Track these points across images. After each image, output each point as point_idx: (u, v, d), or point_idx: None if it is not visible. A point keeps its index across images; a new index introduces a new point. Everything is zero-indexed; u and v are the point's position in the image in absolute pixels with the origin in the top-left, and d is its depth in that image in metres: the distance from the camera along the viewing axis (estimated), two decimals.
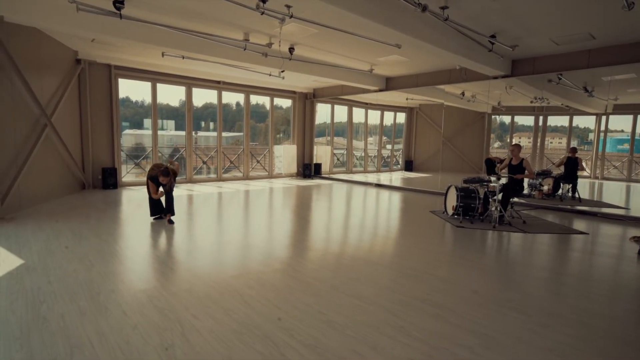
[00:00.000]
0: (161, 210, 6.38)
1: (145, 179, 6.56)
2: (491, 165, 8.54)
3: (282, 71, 9.37)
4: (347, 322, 2.97)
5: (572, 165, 9.46)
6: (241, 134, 13.65)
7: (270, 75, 10.40)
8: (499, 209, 6.61)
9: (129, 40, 6.85)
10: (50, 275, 3.78)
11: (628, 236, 6.04)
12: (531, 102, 11.45)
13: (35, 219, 6.22)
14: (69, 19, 5.94)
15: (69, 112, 8.90)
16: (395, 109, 17.49)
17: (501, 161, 7.55)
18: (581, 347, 2.70)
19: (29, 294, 3.34)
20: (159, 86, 11.04)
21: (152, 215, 6.45)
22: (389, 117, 17.56)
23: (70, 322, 2.86)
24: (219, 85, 12.21)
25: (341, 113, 16.03)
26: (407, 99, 15.26)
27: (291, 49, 8.29)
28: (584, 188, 10.79)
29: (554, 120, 13.80)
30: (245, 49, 7.86)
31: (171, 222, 6.19)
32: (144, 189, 9.71)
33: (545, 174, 10.05)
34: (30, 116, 7.20)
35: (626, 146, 12.20)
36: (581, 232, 6.36)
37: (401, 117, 18.04)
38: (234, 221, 6.79)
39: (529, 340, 2.76)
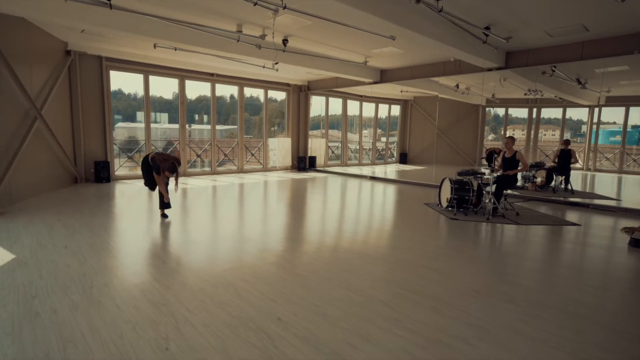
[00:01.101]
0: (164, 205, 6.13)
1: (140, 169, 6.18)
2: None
3: (276, 63, 9.30)
4: (341, 315, 2.97)
5: (565, 157, 9.53)
6: (235, 126, 13.56)
7: (264, 67, 10.31)
8: (492, 201, 6.64)
9: (120, 31, 6.74)
10: (42, 270, 3.74)
11: (619, 227, 6.11)
12: (525, 94, 11.48)
13: (26, 213, 6.15)
14: (58, 8, 5.82)
15: (60, 105, 8.77)
16: (390, 101, 17.45)
17: (499, 152, 7.61)
18: (574, 338, 2.73)
19: (20, 288, 3.31)
20: (152, 78, 10.90)
21: (161, 208, 6.16)
22: (383, 110, 17.52)
23: (63, 316, 2.84)
24: (213, 78, 12.09)
25: (336, 106, 15.97)
26: (401, 91, 15.23)
27: (285, 41, 8.21)
28: (576, 180, 10.88)
29: (548, 113, 13.85)
30: (238, 41, 7.77)
31: (165, 215, 6.15)
32: (137, 182, 9.66)
33: (538, 166, 10.11)
34: (19, 109, 7.09)
35: (618, 138, 12.30)
36: (574, 224, 6.42)
37: (396, 110, 18.01)
38: (228, 214, 6.76)
39: (523, 332, 2.79)
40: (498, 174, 6.78)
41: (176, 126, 11.90)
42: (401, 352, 2.49)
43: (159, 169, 5.71)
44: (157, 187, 5.98)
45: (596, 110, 12.06)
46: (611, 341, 2.70)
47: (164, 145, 12.73)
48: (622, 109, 12.14)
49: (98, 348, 2.44)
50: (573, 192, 9.33)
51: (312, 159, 15.11)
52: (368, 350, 2.49)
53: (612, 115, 12.75)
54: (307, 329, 2.74)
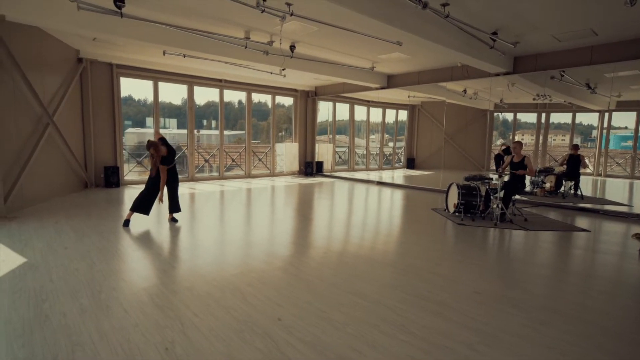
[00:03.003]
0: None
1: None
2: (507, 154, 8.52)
3: (283, 69, 9.37)
4: (347, 320, 2.97)
5: (574, 163, 9.43)
6: (243, 132, 13.66)
7: (271, 73, 10.39)
8: (500, 206, 6.59)
9: (130, 38, 6.85)
10: (52, 274, 3.80)
11: (630, 233, 6.02)
12: (534, 99, 11.40)
13: (37, 217, 6.25)
14: (70, 17, 5.95)
15: (71, 111, 8.93)
16: (397, 106, 17.44)
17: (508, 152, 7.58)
18: (581, 344, 2.70)
19: (31, 292, 3.37)
20: (161, 84, 11.05)
21: (140, 211, 5.89)
22: (390, 115, 17.52)
23: (72, 320, 2.88)
24: (221, 84, 12.21)
25: (343, 111, 16.01)
26: (409, 96, 15.21)
27: (292, 47, 8.28)
28: (586, 185, 10.75)
29: (557, 118, 13.72)
30: (246, 47, 7.85)
31: (174, 220, 6.20)
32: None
33: (547, 171, 10.01)
34: (32, 115, 7.23)
35: (630, 143, 12.14)
36: (583, 230, 6.34)
37: (403, 115, 17.99)
38: (235, 219, 6.81)
39: (529, 338, 2.76)
40: (505, 178, 6.74)
41: (185, 131, 12.03)
42: (406, 357, 2.48)
43: (162, 161, 5.85)
44: (155, 203, 6.00)
45: (606, 115, 11.92)
46: (617, 347, 2.66)
47: None
48: (634, 114, 11.98)
49: (105, 351, 2.48)
50: (583, 198, 9.22)
51: (320, 164, 15.14)
52: (373, 356, 2.49)
53: (623, 120, 12.59)
54: (312, 334, 2.75)
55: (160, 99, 11.11)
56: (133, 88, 14.45)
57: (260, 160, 14.18)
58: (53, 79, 8.00)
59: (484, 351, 2.57)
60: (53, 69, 7.99)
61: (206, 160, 12.86)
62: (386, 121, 17.35)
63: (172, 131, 13.92)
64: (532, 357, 2.52)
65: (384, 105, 16.98)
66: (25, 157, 6.94)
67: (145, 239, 5.26)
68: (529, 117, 14.32)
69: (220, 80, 12.13)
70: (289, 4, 5.47)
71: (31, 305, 3.10)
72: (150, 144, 5.75)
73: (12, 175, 6.59)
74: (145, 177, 10.91)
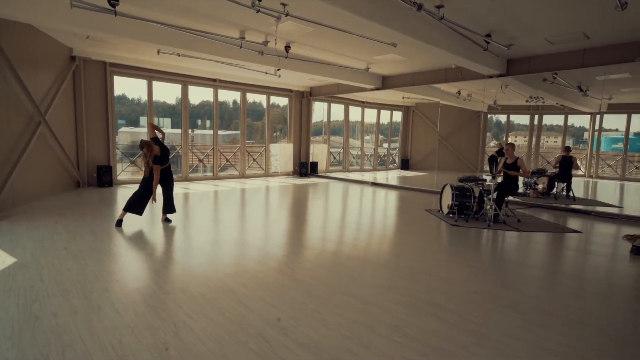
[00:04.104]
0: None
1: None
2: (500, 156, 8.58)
3: (278, 69, 9.35)
4: (341, 321, 2.96)
5: (566, 164, 9.51)
6: (238, 132, 13.61)
7: (266, 73, 10.36)
8: (493, 207, 6.63)
9: (124, 37, 6.79)
10: (43, 274, 3.75)
11: (621, 234, 6.09)
12: (527, 101, 11.49)
13: (29, 216, 6.17)
14: (63, 15, 5.88)
15: (64, 110, 8.84)
16: (392, 107, 17.48)
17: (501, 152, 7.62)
18: (575, 345, 2.72)
19: (21, 292, 3.32)
20: (155, 84, 10.97)
21: (133, 211, 5.81)
22: (385, 116, 17.56)
23: (63, 320, 2.84)
24: (215, 83, 12.16)
25: (338, 111, 16.02)
26: (403, 97, 15.26)
27: (287, 47, 8.27)
28: (578, 187, 10.84)
29: (549, 120, 13.85)
30: (241, 47, 7.82)
31: (168, 220, 6.16)
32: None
33: (540, 172, 10.09)
34: (24, 113, 7.14)
35: (620, 145, 12.28)
36: (575, 231, 6.39)
37: (397, 116, 18.04)
38: (229, 220, 6.77)
39: (524, 339, 2.77)
40: (499, 180, 6.78)
41: (179, 131, 11.96)
42: (401, 359, 2.48)
43: (155, 161, 5.77)
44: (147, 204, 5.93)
45: (598, 117, 12.05)
46: (612, 348, 2.68)
47: None
48: (624, 116, 12.12)
49: (97, 352, 2.45)
50: (575, 199, 9.30)
51: (314, 165, 15.13)
52: (368, 357, 2.49)
53: (614, 122, 12.73)
54: (307, 335, 2.73)
55: (154, 98, 11.03)
56: (127, 87, 14.34)
57: (254, 160, 14.13)
58: (45, 77, 7.91)
59: (480, 353, 2.58)
60: (46, 67, 7.90)
61: (200, 160, 12.79)
62: (381, 122, 17.39)
63: (166, 131, 13.83)
64: (528, 359, 2.53)
65: (379, 106, 17.01)
66: (16, 156, 6.85)
67: (138, 239, 5.21)
68: (522, 119, 14.44)
69: (215, 80, 12.08)
70: (284, 4, 5.47)
71: (21, 306, 3.05)
72: (143, 144, 5.71)
73: (3, 173, 6.50)
74: (139, 176, 10.81)
